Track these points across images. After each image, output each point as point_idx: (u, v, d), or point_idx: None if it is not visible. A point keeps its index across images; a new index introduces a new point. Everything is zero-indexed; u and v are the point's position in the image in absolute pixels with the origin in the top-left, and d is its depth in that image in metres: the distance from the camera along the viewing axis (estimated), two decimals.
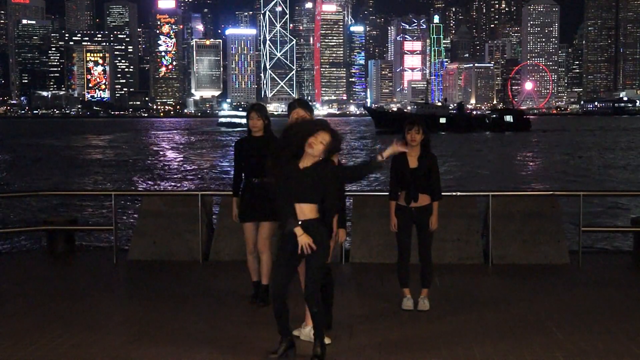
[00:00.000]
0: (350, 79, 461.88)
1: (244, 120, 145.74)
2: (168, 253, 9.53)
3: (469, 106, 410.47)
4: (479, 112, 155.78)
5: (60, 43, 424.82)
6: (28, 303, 7.26)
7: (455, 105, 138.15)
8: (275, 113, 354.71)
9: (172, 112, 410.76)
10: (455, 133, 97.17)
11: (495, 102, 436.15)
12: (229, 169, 43.15)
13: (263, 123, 6.86)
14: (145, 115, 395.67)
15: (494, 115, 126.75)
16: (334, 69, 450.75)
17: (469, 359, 5.43)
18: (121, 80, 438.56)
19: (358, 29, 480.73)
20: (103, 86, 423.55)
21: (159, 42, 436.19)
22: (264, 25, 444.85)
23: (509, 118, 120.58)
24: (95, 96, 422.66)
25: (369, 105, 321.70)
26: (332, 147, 5.09)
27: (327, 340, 5.68)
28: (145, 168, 47.15)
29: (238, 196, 6.98)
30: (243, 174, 6.97)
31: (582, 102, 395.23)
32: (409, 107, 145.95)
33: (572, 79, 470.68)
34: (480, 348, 5.66)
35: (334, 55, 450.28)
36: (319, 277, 5.23)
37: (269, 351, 5.43)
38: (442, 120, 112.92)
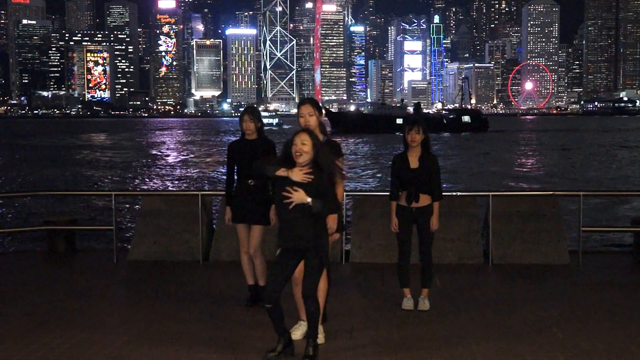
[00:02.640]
0: (351, 79, 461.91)
1: (266, 120, 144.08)
2: (168, 253, 9.53)
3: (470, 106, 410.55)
4: (437, 112, 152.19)
5: (60, 43, 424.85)
6: (28, 303, 7.26)
7: (414, 105, 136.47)
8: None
9: (172, 112, 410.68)
10: None
11: (495, 101, 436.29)
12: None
13: (256, 126, 6.89)
14: (146, 115, 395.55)
15: (452, 116, 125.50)
16: (334, 69, 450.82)
17: (469, 359, 5.43)
18: (121, 80, 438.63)
19: (358, 29, 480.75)
20: (103, 86, 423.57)
21: (159, 42, 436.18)
22: (264, 25, 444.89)
23: (466, 119, 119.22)
24: (96, 96, 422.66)
25: (368, 106, 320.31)
26: (318, 143, 5.25)
27: (321, 340, 5.70)
28: (145, 168, 47.16)
29: (231, 204, 7.00)
30: (236, 176, 7.00)
31: (582, 102, 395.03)
32: (363, 108, 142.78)
33: (572, 79, 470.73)
34: (480, 348, 5.66)
35: (334, 55, 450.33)
36: (317, 277, 5.26)
37: (267, 350, 5.43)
38: (399, 121, 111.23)
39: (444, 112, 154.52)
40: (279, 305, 5.28)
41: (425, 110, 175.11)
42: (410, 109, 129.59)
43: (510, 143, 79.78)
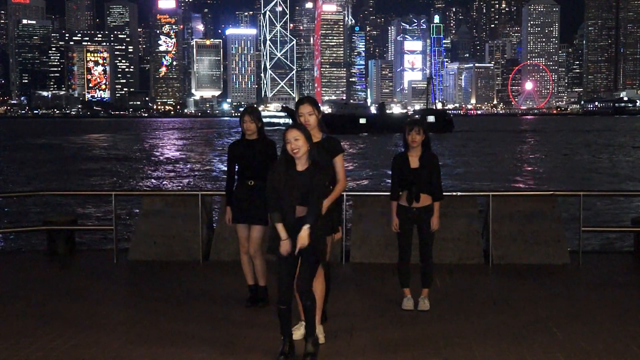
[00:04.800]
0: (351, 79, 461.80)
1: (282, 120, 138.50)
2: (168, 253, 9.53)
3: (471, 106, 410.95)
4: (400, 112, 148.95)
5: (60, 43, 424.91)
6: (28, 303, 7.26)
7: (377, 105, 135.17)
8: (276, 113, 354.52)
9: (172, 112, 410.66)
10: (375, 134, 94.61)
11: (495, 102, 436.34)
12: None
13: (256, 126, 6.89)
14: (146, 115, 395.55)
15: (417, 116, 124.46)
16: (334, 69, 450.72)
17: (469, 359, 5.43)
18: (121, 80, 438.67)
19: (358, 29, 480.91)
20: (103, 86, 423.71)
21: (159, 42, 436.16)
22: (264, 25, 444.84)
23: (431, 119, 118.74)
24: (96, 96, 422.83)
25: (369, 105, 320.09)
26: (309, 137, 5.28)
27: (321, 340, 5.73)
28: (145, 168, 47.15)
29: (231, 204, 6.99)
30: (236, 177, 6.99)
31: (582, 102, 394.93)
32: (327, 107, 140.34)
33: (573, 79, 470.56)
34: (480, 348, 5.66)
35: (334, 55, 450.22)
36: (313, 272, 5.29)
37: (277, 354, 5.40)
38: (362, 120, 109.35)
39: (410, 112, 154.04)
40: (291, 306, 5.33)
41: (388, 111, 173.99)
42: (374, 109, 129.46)
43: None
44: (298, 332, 5.85)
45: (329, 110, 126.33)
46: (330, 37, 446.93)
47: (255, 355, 5.50)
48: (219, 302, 7.18)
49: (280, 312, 5.33)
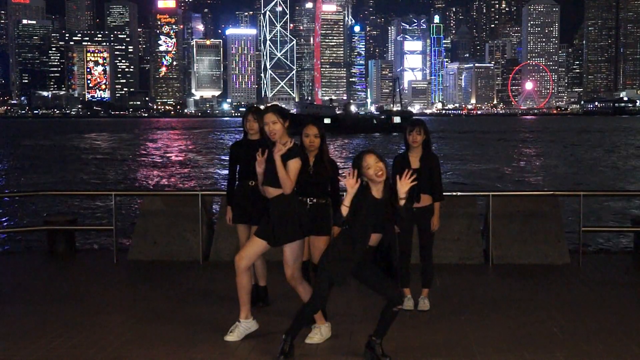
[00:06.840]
0: (351, 79, 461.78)
1: None
2: (168, 253, 9.53)
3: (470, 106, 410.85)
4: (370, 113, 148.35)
5: (60, 43, 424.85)
6: (28, 303, 7.26)
7: (343, 105, 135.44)
8: None
9: (172, 112, 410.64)
10: (340, 134, 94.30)
11: (495, 102, 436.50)
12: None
13: (259, 126, 6.84)
14: (146, 115, 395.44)
15: (383, 117, 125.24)
16: (334, 69, 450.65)
17: (469, 359, 5.43)
18: (121, 80, 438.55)
19: (358, 29, 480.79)
20: (103, 86, 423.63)
21: (159, 42, 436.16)
22: (264, 25, 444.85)
23: (397, 119, 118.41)
24: (96, 96, 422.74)
25: (369, 105, 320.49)
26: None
27: (320, 340, 5.75)
28: (145, 168, 47.14)
29: (232, 204, 6.97)
30: (237, 177, 6.96)
31: (582, 102, 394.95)
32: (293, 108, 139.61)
33: (573, 79, 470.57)
34: (480, 348, 5.66)
35: (334, 55, 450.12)
36: (389, 279, 5.39)
37: (275, 353, 5.40)
38: (327, 120, 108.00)
39: (375, 112, 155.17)
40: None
41: (356, 112, 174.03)
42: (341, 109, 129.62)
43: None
44: (315, 337, 5.85)
45: (294, 110, 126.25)
46: (330, 37, 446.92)
47: (255, 355, 5.50)
48: (219, 302, 7.17)
49: (306, 314, 5.35)
